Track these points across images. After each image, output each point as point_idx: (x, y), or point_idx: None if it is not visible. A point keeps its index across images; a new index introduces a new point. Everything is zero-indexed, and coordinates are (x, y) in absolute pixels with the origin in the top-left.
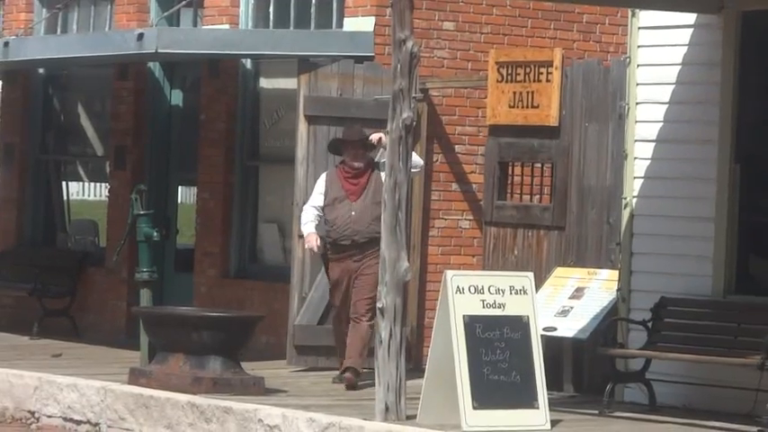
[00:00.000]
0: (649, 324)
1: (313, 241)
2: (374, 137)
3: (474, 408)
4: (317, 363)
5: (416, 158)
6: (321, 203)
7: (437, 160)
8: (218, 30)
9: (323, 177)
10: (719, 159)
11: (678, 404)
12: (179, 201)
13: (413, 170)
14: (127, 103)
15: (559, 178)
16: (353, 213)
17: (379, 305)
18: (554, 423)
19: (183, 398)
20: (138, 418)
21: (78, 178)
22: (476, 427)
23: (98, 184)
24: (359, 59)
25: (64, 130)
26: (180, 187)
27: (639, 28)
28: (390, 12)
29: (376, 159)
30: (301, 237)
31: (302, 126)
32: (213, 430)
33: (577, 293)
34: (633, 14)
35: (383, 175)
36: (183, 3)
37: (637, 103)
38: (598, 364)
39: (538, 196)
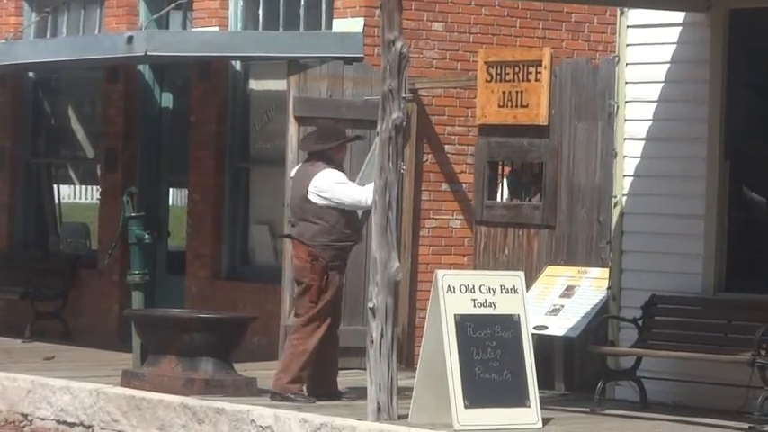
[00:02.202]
0: (640, 322)
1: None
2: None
3: (466, 407)
4: None
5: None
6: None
7: (427, 160)
8: (207, 32)
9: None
10: (709, 157)
11: (669, 401)
12: (170, 203)
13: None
14: (117, 106)
15: (549, 177)
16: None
17: (370, 305)
18: (545, 421)
19: (175, 399)
20: (131, 419)
21: (69, 181)
22: (468, 425)
23: (89, 187)
24: (348, 60)
25: (54, 133)
26: (171, 189)
27: (628, 26)
28: (379, 13)
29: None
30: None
31: (292, 127)
32: (206, 431)
33: (568, 292)
34: (622, 13)
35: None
36: (173, 5)
37: (626, 102)
38: (589, 362)
39: (528, 196)
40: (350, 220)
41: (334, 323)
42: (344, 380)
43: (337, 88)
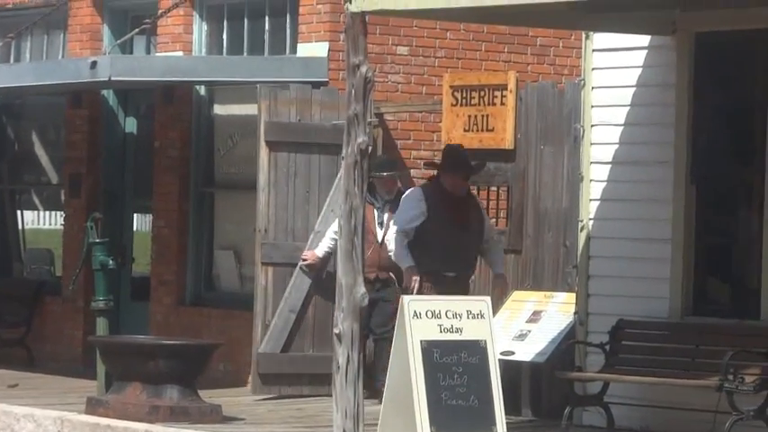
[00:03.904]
0: (607, 347)
1: (416, 282)
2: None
3: None
4: (280, 391)
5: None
6: (415, 224)
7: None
8: (171, 57)
9: (418, 196)
10: (675, 180)
11: (637, 427)
12: (134, 228)
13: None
14: (81, 131)
15: (515, 201)
16: (462, 243)
17: (336, 331)
18: None
19: (140, 426)
20: None
21: (33, 207)
22: None
23: (53, 213)
24: (314, 85)
25: (18, 158)
26: (135, 215)
27: (593, 50)
28: (344, 37)
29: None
30: (269, 264)
31: (263, 152)
32: None
33: (535, 317)
34: (587, 37)
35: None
36: (137, 30)
37: (592, 126)
38: (556, 388)
39: (494, 219)
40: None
41: None
42: (313, 406)
43: (306, 112)
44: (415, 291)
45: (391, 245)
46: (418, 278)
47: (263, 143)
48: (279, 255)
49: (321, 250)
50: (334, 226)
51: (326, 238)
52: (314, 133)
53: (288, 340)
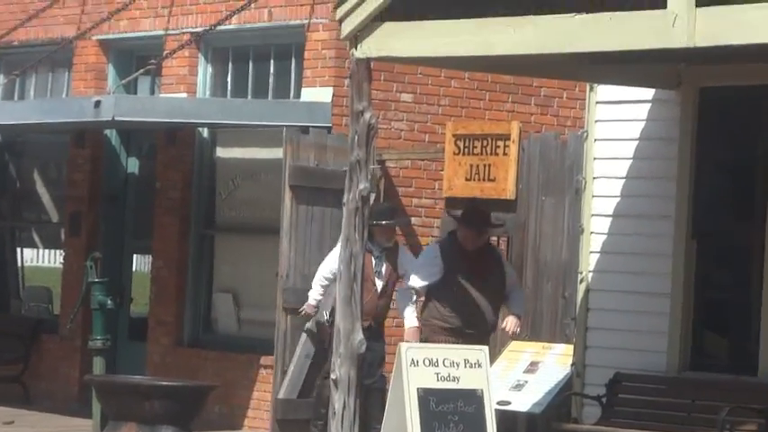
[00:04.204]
0: (604, 399)
1: (416, 337)
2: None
3: None
4: None
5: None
6: (428, 283)
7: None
8: (175, 98)
9: (435, 252)
10: (676, 235)
11: None
12: (134, 269)
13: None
14: (83, 171)
15: (515, 252)
16: (482, 299)
17: (333, 377)
18: None
19: None
20: None
21: (33, 245)
22: None
23: (53, 251)
24: (328, 129)
25: (19, 196)
26: (135, 255)
27: (597, 102)
28: (348, 83)
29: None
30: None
31: (287, 196)
32: None
33: (532, 367)
34: (591, 89)
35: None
36: (141, 71)
37: (594, 178)
38: None
39: None
40: None
41: None
42: None
43: (323, 157)
44: None
45: (398, 304)
46: (417, 340)
47: (287, 187)
48: (297, 300)
49: (313, 299)
50: (323, 271)
51: (316, 285)
52: (331, 178)
53: (304, 386)
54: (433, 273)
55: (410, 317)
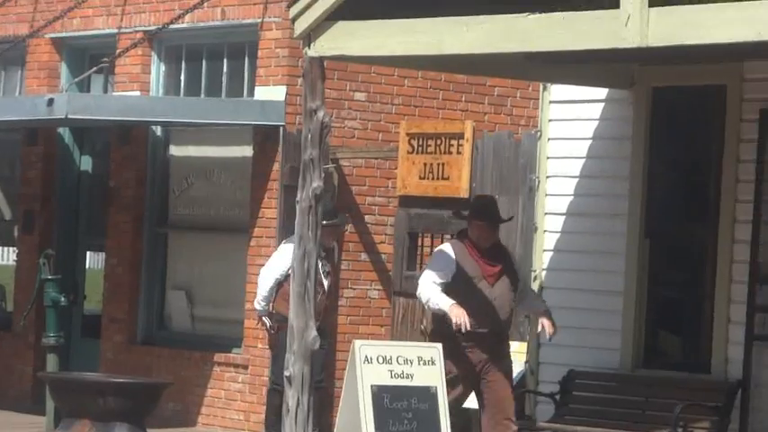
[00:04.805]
0: (557, 397)
1: (464, 316)
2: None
3: None
4: None
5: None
6: (445, 280)
7: (347, 230)
8: (128, 96)
9: (447, 251)
10: (629, 233)
11: None
12: (87, 266)
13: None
14: (36, 168)
15: None
16: (496, 299)
17: (286, 374)
18: None
19: None
20: None
21: None
22: None
23: (6, 249)
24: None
25: None
26: (88, 252)
27: (551, 102)
28: (302, 81)
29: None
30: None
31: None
32: None
33: None
34: (544, 88)
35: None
36: (94, 69)
37: (547, 177)
38: None
39: None
40: None
41: None
42: None
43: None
44: (466, 327)
45: (423, 294)
46: (465, 312)
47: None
48: None
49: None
50: (274, 273)
51: (268, 290)
52: None
53: None
54: (447, 272)
55: (445, 299)
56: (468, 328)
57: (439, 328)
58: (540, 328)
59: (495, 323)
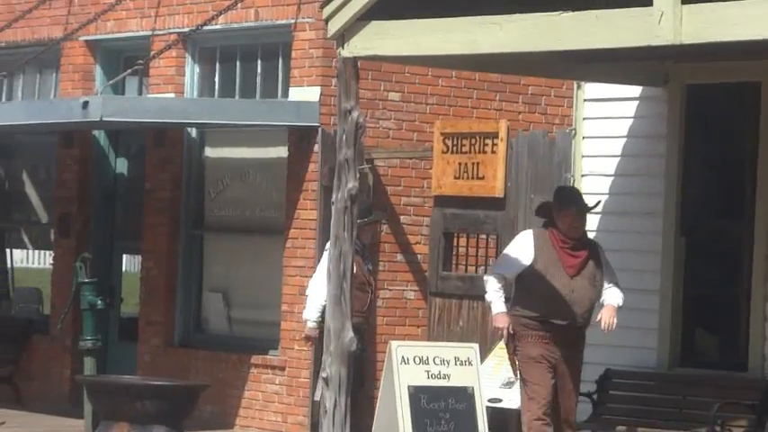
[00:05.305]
0: (594, 396)
1: (505, 322)
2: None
3: None
4: None
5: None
6: (517, 270)
7: (382, 231)
8: (163, 98)
9: (527, 239)
10: (665, 232)
11: None
12: (123, 269)
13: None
14: (72, 171)
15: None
16: (574, 291)
17: (323, 375)
18: None
19: None
20: None
21: (22, 246)
22: None
23: (42, 252)
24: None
25: (8, 197)
26: (124, 255)
27: (585, 100)
28: (336, 82)
29: None
30: None
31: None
32: None
33: None
34: (579, 87)
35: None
36: (129, 71)
37: (582, 175)
38: None
39: (483, 267)
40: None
41: None
42: None
43: None
44: (504, 339)
45: (486, 287)
46: (506, 326)
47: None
48: None
49: (313, 315)
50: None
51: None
52: None
53: None
54: (522, 261)
55: (497, 302)
56: (507, 334)
57: (517, 314)
58: (598, 316)
59: (573, 316)
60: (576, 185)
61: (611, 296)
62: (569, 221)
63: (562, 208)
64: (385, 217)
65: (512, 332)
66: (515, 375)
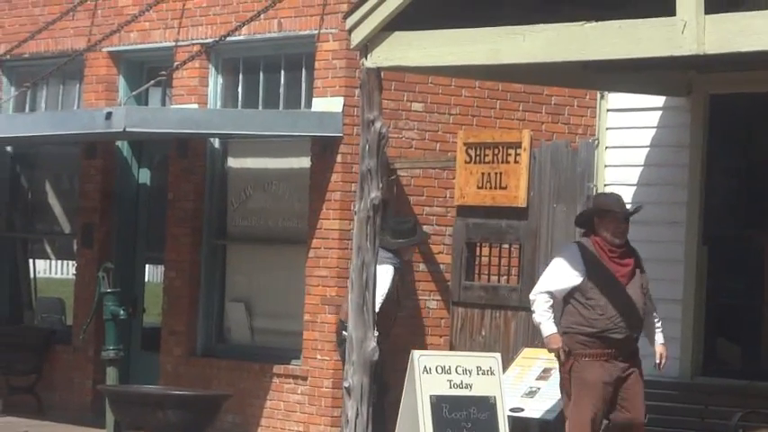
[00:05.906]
0: None
1: (559, 343)
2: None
3: None
4: None
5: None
6: (569, 286)
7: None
8: (186, 109)
9: (573, 253)
10: (687, 241)
11: None
12: (146, 279)
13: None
14: (95, 182)
15: (527, 259)
16: (629, 301)
17: (345, 384)
18: None
19: None
20: None
21: (45, 256)
22: None
23: (65, 262)
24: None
25: (31, 207)
26: (147, 265)
27: (608, 110)
28: (359, 92)
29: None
30: None
31: None
32: None
33: (545, 374)
34: (602, 97)
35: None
36: (152, 82)
37: (605, 185)
38: None
39: (506, 277)
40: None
41: None
42: None
43: None
44: (562, 359)
45: (534, 308)
46: (561, 346)
47: None
48: None
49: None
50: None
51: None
52: None
53: None
54: (573, 276)
55: (547, 324)
56: (562, 357)
57: (572, 331)
58: (657, 359)
59: (629, 327)
60: None
61: (660, 333)
62: (614, 227)
63: (606, 214)
64: (429, 237)
65: (567, 350)
66: (565, 396)
